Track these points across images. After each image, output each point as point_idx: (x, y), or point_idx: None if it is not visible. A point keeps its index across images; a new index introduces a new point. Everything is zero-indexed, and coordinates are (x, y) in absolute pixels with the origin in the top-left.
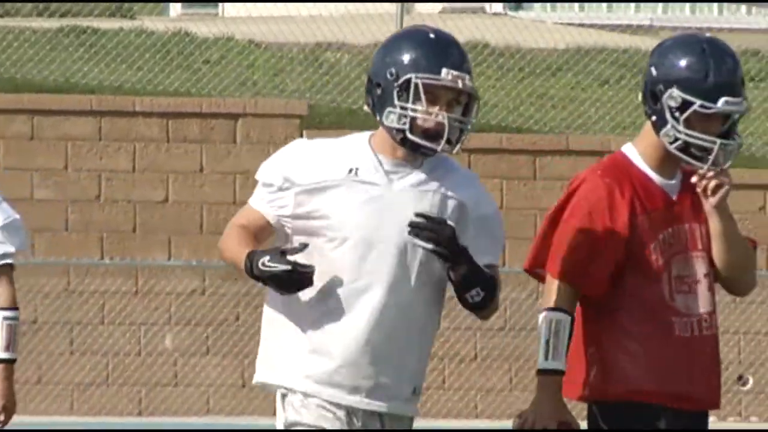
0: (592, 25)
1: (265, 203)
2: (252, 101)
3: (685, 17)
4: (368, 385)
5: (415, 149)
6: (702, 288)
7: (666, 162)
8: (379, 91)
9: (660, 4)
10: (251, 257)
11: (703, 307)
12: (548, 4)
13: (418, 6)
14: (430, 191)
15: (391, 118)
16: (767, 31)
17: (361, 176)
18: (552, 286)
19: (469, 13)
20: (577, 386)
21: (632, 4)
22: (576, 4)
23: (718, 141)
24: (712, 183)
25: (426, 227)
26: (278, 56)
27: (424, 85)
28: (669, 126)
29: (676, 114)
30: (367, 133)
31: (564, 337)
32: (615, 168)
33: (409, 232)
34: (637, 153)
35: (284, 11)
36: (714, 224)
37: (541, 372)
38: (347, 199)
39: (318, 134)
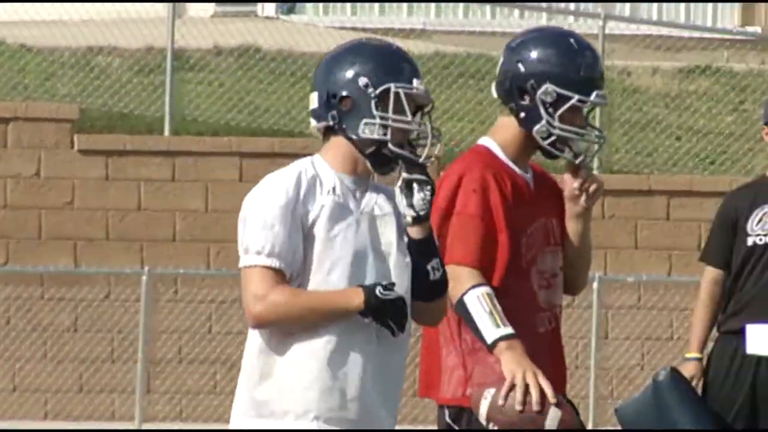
0: (364, 29)
1: (280, 258)
2: (23, 105)
3: (458, 21)
4: (367, 417)
5: (384, 163)
6: (558, 281)
7: (523, 156)
8: (346, 105)
9: (432, 8)
10: (370, 289)
11: (558, 300)
12: (320, 7)
13: (190, 10)
14: (387, 214)
15: (370, 129)
16: None
17: (338, 197)
18: (460, 273)
19: (242, 16)
20: (436, 389)
21: (404, 7)
22: (348, 7)
23: (594, 133)
24: (593, 186)
25: (416, 164)
26: (49, 60)
27: (403, 95)
28: (544, 122)
29: (550, 110)
30: (312, 158)
31: (498, 305)
32: (490, 161)
33: (405, 167)
34: (498, 147)
35: (56, 15)
36: (578, 226)
37: (501, 339)
38: (332, 224)
39: (89, 138)
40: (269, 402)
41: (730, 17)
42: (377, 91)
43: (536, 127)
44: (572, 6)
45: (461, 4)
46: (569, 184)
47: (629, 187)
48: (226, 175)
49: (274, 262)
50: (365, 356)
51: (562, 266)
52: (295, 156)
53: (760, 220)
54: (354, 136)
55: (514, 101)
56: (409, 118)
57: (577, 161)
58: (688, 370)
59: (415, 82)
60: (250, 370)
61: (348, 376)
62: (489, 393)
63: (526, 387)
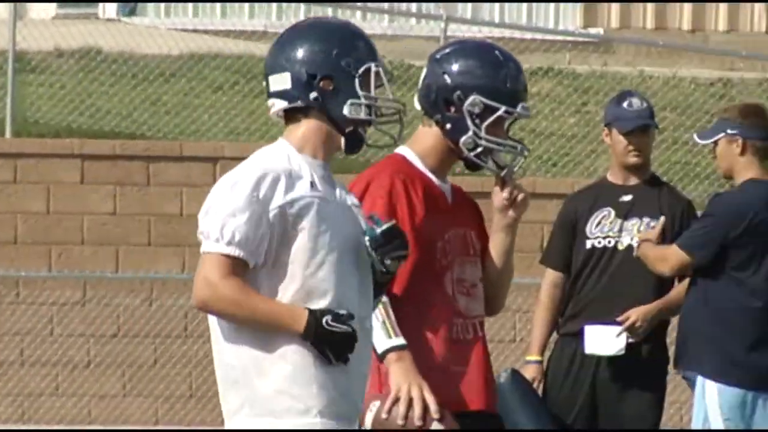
0: (206, 31)
1: (241, 247)
2: None
3: None
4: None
5: (358, 144)
6: (479, 292)
7: (442, 167)
8: (327, 85)
9: (274, 9)
10: (315, 315)
11: (479, 310)
12: (162, 8)
13: (31, 11)
14: (356, 204)
15: (356, 110)
16: (382, 37)
17: (318, 189)
18: None
19: (83, 18)
20: None
21: (246, 9)
22: (190, 9)
23: (519, 145)
24: (521, 196)
25: (399, 237)
26: None
27: (379, 73)
28: (471, 133)
29: (477, 121)
30: (284, 148)
31: (393, 316)
32: (403, 167)
33: (384, 253)
34: (416, 156)
35: None
36: (507, 238)
37: (392, 350)
38: (320, 218)
39: None
40: (267, 400)
41: (572, 19)
42: (360, 71)
43: (463, 138)
44: (414, 8)
45: (302, 6)
46: (498, 195)
47: (473, 189)
48: (68, 177)
49: (234, 251)
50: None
51: (483, 284)
52: (138, 158)
53: (599, 223)
54: (337, 117)
55: (439, 112)
56: (391, 96)
57: (502, 173)
58: (529, 372)
59: (381, 61)
60: (241, 369)
61: (335, 370)
62: (374, 405)
63: (411, 401)
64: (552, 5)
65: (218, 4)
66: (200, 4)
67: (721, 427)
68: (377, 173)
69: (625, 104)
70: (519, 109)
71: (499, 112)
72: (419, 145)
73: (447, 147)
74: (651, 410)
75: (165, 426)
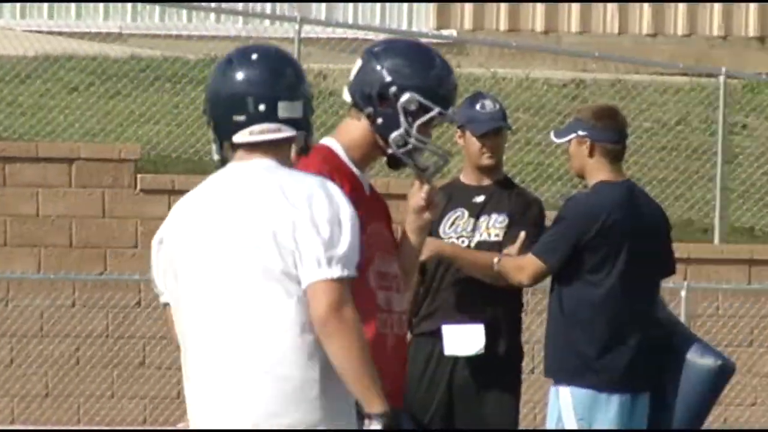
0: (61, 33)
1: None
2: None
3: (154, 24)
4: None
5: None
6: (401, 286)
7: (366, 160)
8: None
9: (129, 10)
10: (396, 412)
11: (404, 305)
12: (18, 9)
13: None
14: None
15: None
16: (236, 39)
17: None
18: None
19: None
20: None
21: (101, 10)
22: (45, 10)
23: (441, 150)
24: (437, 197)
25: None
26: None
27: None
28: (402, 130)
29: (409, 119)
30: (274, 163)
31: None
32: (329, 159)
33: None
34: (341, 148)
35: None
36: (416, 240)
37: None
38: None
39: None
40: (345, 414)
41: (425, 20)
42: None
43: (393, 135)
44: (268, 9)
45: (157, 8)
46: (417, 195)
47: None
48: None
49: (356, 273)
50: None
51: None
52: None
53: (453, 224)
54: (309, 144)
55: (372, 106)
56: None
57: (426, 173)
58: None
59: None
60: (321, 385)
61: None
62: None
63: None
64: (405, 6)
65: (73, 5)
66: (55, 5)
67: (575, 427)
68: (304, 166)
69: (478, 106)
70: (450, 111)
71: (433, 113)
72: (345, 137)
73: (373, 141)
74: (508, 409)
75: (21, 426)
